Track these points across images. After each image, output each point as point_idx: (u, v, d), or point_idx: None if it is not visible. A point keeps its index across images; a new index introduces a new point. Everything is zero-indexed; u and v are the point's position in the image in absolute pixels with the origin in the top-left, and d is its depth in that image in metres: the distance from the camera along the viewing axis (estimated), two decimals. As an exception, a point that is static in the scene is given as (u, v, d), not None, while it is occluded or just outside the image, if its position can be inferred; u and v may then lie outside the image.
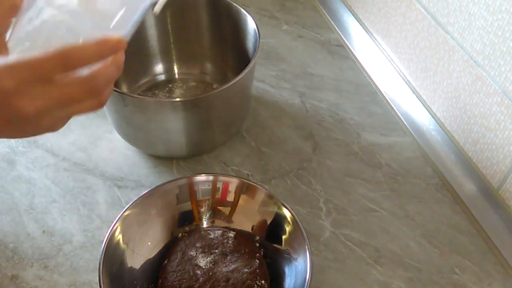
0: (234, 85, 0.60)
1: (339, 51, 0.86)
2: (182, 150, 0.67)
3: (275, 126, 0.74)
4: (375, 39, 0.83)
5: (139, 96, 0.65)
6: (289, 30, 0.90)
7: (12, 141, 0.70)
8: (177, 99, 0.59)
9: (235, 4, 0.69)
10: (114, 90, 0.58)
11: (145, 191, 0.55)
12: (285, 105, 0.77)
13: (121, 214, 0.53)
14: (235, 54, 0.73)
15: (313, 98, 0.78)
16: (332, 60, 0.85)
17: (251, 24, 0.67)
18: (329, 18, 0.92)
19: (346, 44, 0.87)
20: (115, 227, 0.52)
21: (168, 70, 0.79)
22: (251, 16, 0.67)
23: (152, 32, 0.74)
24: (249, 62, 0.62)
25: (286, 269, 0.54)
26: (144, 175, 0.67)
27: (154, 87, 0.78)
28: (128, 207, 0.54)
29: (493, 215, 0.61)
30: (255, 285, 0.51)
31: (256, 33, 0.65)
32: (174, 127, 0.62)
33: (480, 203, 0.63)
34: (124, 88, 0.74)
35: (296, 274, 0.52)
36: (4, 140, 0.70)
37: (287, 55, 0.85)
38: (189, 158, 0.69)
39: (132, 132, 0.66)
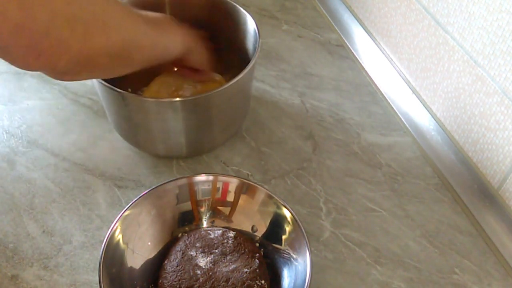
0: (234, 85, 0.60)
1: (339, 51, 0.86)
2: (182, 150, 0.67)
3: (275, 126, 0.74)
4: (375, 39, 0.83)
5: (139, 96, 0.65)
6: (289, 30, 0.90)
7: (12, 141, 0.70)
8: (177, 99, 0.59)
9: (235, 4, 0.69)
10: (114, 90, 0.58)
11: (145, 191, 0.55)
12: (285, 105, 0.77)
13: (121, 214, 0.53)
14: (235, 54, 0.73)
15: (313, 98, 0.78)
16: (332, 60, 0.85)
17: (251, 24, 0.67)
18: (329, 18, 0.92)
19: (346, 44, 0.87)
20: (115, 227, 0.52)
21: (168, 70, 0.79)
22: (251, 16, 0.67)
23: (152, 32, 0.74)
24: (249, 62, 0.62)
25: (286, 269, 0.54)
26: (144, 175, 0.67)
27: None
28: (128, 207, 0.54)
29: (493, 215, 0.61)
30: (255, 285, 0.51)
31: (256, 33, 0.65)
32: (174, 127, 0.62)
33: (480, 203, 0.63)
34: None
35: (296, 274, 0.52)
36: (4, 140, 0.70)
37: (287, 55, 0.85)
38: (189, 157, 0.69)
39: (132, 132, 0.66)
